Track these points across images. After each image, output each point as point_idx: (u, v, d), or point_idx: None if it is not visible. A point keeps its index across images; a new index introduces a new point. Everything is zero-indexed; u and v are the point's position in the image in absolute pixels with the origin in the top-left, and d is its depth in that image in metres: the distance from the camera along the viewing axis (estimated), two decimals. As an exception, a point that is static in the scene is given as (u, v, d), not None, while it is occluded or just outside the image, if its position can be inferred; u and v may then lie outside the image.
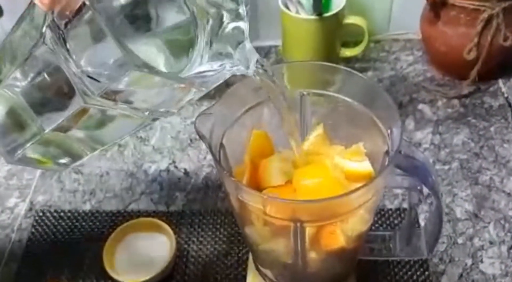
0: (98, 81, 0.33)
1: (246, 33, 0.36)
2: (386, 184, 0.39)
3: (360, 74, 0.40)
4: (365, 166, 0.41)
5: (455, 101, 0.77)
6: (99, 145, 0.43)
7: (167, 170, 0.72)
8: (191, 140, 0.76)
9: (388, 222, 0.63)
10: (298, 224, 0.35)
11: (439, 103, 0.77)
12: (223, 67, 0.36)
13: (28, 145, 0.41)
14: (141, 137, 0.77)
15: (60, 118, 0.37)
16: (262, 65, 0.36)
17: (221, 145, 0.40)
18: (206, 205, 0.67)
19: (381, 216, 0.64)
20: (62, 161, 0.45)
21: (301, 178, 0.40)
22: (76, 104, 0.35)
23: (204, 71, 0.36)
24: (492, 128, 0.73)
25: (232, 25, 0.37)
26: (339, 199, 0.35)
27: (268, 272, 0.49)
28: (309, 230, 0.38)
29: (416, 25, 0.81)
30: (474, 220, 0.63)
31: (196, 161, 0.73)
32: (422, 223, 0.62)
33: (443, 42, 0.74)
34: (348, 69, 0.41)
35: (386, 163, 0.37)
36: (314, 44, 0.71)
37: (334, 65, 0.41)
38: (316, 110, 0.44)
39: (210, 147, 0.37)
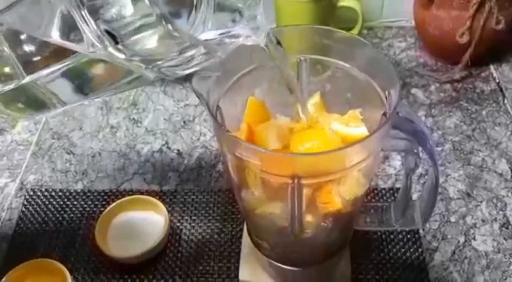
0: (114, 35, 0.32)
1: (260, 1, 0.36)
2: (383, 146, 0.39)
3: (357, 37, 0.40)
4: (362, 131, 0.41)
5: (448, 86, 0.78)
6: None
7: (160, 151, 0.72)
8: (184, 122, 0.75)
9: (381, 201, 0.63)
10: (296, 181, 0.35)
11: (432, 87, 0.78)
12: (231, 35, 0.36)
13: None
14: (133, 119, 0.76)
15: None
16: (275, 37, 0.36)
17: (218, 107, 0.39)
18: (199, 184, 0.67)
19: (375, 195, 0.64)
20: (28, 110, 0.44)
21: (299, 141, 0.40)
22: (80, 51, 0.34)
23: (209, 39, 0.36)
24: (483, 112, 0.74)
25: None
26: (336, 153, 0.35)
27: (263, 244, 0.49)
28: (306, 191, 0.38)
29: (408, 12, 0.81)
30: (466, 199, 0.64)
31: (189, 142, 0.72)
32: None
33: (436, 26, 0.74)
34: (345, 32, 0.41)
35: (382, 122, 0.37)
36: (308, 27, 0.71)
37: (331, 28, 0.41)
38: (312, 77, 0.44)
39: (207, 105, 0.37)
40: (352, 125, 0.42)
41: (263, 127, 0.42)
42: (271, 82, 0.43)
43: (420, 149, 0.40)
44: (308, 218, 0.41)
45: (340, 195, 0.39)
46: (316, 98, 0.45)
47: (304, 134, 0.41)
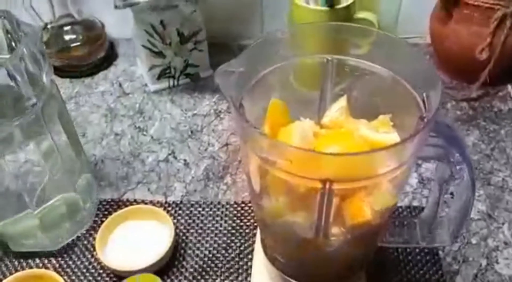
0: None
1: None
2: (418, 153, 0.36)
3: (390, 35, 0.37)
4: (392, 137, 0.38)
5: (464, 104, 0.75)
6: None
7: (166, 160, 0.68)
8: (191, 132, 0.72)
9: (402, 217, 0.60)
10: (327, 185, 0.32)
11: (448, 105, 0.75)
12: None
13: None
14: (139, 127, 0.73)
15: None
16: None
17: (241, 105, 0.37)
18: (206, 196, 0.64)
19: (392, 214, 0.61)
20: None
21: (325, 144, 0.37)
22: None
23: None
24: (502, 131, 0.71)
25: None
26: (369, 154, 0.32)
27: (279, 258, 0.45)
28: (335, 200, 0.35)
29: (423, 29, 0.80)
30: (488, 221, 0.60)
31: (196, 153, 0.69)
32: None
33: (455, 42, 0.72)
34: (377, 30, 0.39)
35: (422, 126, 0.34)
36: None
37: (361, 26, 0.38)
38: (339, 79, 0.41)
39: (231, 100, 0.34)
40: (381, 131, 0.39)
41: (286, 129, 0.39)
42: (294, 83, 0.40)
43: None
44: (335, 229, 0.37)
45: (370, 205, 0.36)
46: (342, 102, 0.42)
47: (331, 137, 0.38)
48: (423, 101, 0.36)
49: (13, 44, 0.49)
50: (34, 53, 0.46)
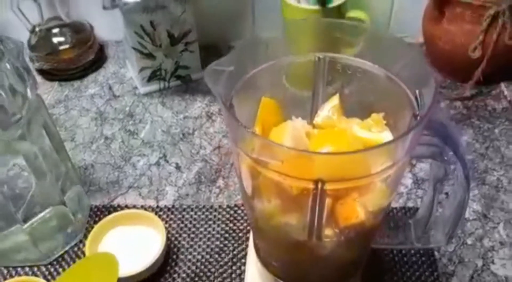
0: None
1: None
2: (411, 152, 0.35)
3: (382, 32, 0.37)
4: (386, 136, 0.37)
5: (458, 103, 0.75)
6: None
7: (157, 164, 0.67)
8: (183, 135, 0.71)
9: (396, 218, 0.59)
10: (320, 186, 0.31)
11: (442, 104, 0.75)
12: None
13: None
14: (129, 130, 0.72)
15: None
16: None
17: (231, 105, 0.36)
18: (199, 200, 0.63)
19: (386, 215, 0.60)
20: None
21: (318, 144, 0.36)
22: None
23: None
24: (496, 130, 0.71)
25: None
26: (362, 153, 0.31)
27: (273, 261, 0.44)
28: (327, 200, 0.34)
29: (415, 29, 0.79)
30: (483, 220, 0.60)
31: (188, 156, 0.68)
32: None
33: (447, 41, 0.72)
34: (369, 25, 0.38)
35: (415, 123, 0.34)
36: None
37: (353, 22, 0.38)
38: (331, 78, 0.41)
39: (221, 99, 0.33)
40: (374, 130, 0.38)
41: (278, 129, 0.38)
42: (285, 82, 0.39)
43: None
44: (328, 231, 0.37)
45: (363, 206, 0.35)
46: (334, 101, 0.41)
47: (324, 137, 0.37)
48: (416, 98, 0.35)
49: None
50: (18, 68, 0.46)
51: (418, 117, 0.34)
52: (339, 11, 0.69)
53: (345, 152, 0.32)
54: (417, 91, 0.35)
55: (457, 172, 0.36)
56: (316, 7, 0.67)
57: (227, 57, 0.35)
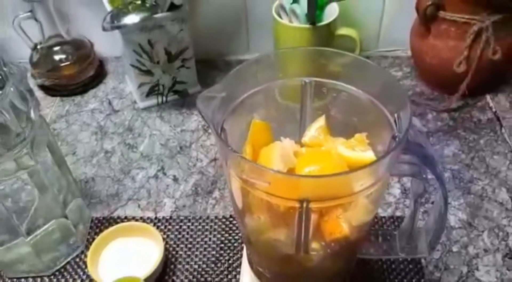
0: None
1: None
2: (392, 170, 0.38)
3: (363, 59, 0.39)
4: (368, 155, 0.40)
5: (445, 115, 0.78)
6: None
7: (156, 177, 0.70)
8: (180, 148, 0.74)
9: (381, 229, 0.62)
10: (304, 205, 0.34)
11: (429, 116, 0.78)
12: None
13: None
14: (129, 144, 0.75)
15: None
16: None
17: (222, 129, 0.38)
18: (196, 211, 0.65)
19: (375, 224, 0.63)
20: None
21: (304, 164, 0.39)
22: None
23: None
24: (481, 141, 0.73)
25: None
26: (347, 175, 0.34)
27: (265, 273, 0.47)
28: (313, 216, 0.37)
29: (404, 42, 0.82)
30: (468, 229, 0.62)
31: (185, 168, 0.71)
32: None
33: (434, 56, 0.75)
34: (351, 54, 0.41)
35: (394, 145, 0.36)
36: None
37: (337, 50, 0.40)
38: (317, 101, 0.43)
39: (213, 126, 0.36)
40: (358, 149, 0.41)
41: (267, 149, 0.41)
42: (275, 104, 0.42)
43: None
44: (314, 245, 0.39)
45: (347, 221, 0.38)
46: (321, 122, 0.44)
47: (310, 157, 0.40)
48: (395, 121, 0.38)
49: None
50: (22, 91, 0.48)
51: (397, 139, 0.37)
52: (329, 29, 0.72)
53: (329, 175, 0.35)
54: (395, 115, 0.37)
55: (436, 189, 0.39)
56: (307, 25, 0.70)
57: (219, 84, 0.38)
